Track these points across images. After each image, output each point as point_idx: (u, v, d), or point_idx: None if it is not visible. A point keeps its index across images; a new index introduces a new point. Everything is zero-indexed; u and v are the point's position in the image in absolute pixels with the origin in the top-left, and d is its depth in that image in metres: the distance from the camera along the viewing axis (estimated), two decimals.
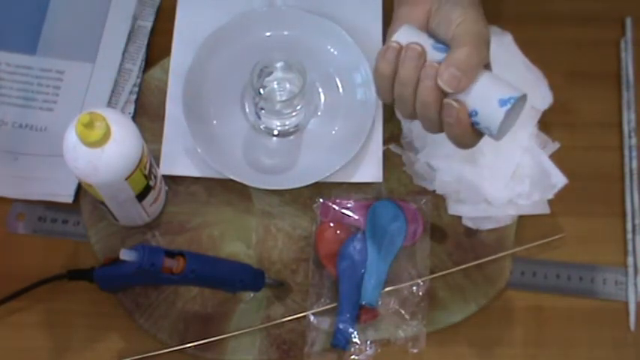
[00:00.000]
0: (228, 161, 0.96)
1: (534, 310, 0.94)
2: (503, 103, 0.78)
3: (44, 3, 1.03)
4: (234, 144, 0.98)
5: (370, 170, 0.97)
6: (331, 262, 0.93)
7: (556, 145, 0.97)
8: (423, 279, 0.93)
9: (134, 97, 1.00)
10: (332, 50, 1.01)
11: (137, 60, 1.01)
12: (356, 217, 0.95)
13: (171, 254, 0.88)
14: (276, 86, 0.96)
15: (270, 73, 0.95)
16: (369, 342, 0.91)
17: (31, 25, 1.02)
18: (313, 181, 0.95)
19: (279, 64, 0.95)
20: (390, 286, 0.93)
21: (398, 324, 0.92)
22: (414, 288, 0.93)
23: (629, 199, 0.98)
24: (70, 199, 0.96)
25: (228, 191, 0.97)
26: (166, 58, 1.01)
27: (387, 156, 0.98)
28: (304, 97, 0.95)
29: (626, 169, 0.99)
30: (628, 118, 1.01)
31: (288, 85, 0.96)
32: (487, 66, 0.82)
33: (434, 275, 0.93)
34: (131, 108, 0.99)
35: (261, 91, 0.94)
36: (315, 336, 0.91)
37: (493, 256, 0.93)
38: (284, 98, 0.96)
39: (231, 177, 0.94)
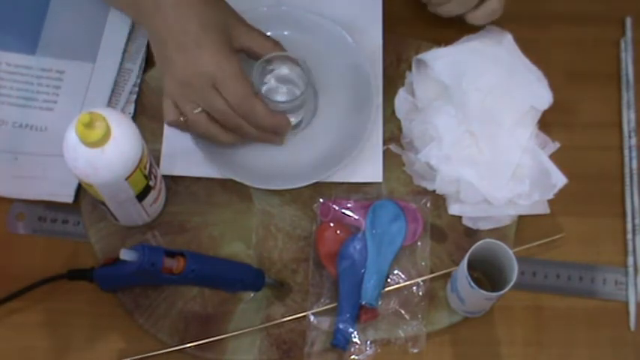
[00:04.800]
0: (228, 161, 0.96)
1: (534, 310, 0.94)
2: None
3: (44, 3, 1.03)
4: (234, 144, 0.98)
5: (370, 170, 0.97)
6: (331, 262, 0.93)
7: (556, 145, 0.97)
8: (423, 279, 0.93)
9: (134, 97, 1.00)
10: (332, 50, 1.01)
11: (137, 60, 1.01)
12: (356, 217, 0.95)
13: (171, 254, 0.89)
14: (274, 84, 0.96)
15: (272, 71, 0.95)
16: (369, 342, 0.91)
17: (31, 25, 1.02)
18: (313, 181, 0.95)
19: (282, 60, 0.95)
20: (390, 286, 0.93)
21: (398, 324, 0.92)
22: (414, 288, 0.93)
23: (629, 199, 0.98)
24: (70, 199, 0.95)
25: (228, 191, 0.97)
26: None
27: (387, 156, 0.98)
28: (306, 98, 0.95)
29: (626, 169, 0.99)
30: (628, 118, 1.01)
31: (286, 88, 0.96)
32: None
33: (434, 275, 0.93)
34: (131, 108, 0.99)
35: (262, 88, 0.94)
36: (315, 336, 0.91)
37: None
38: (284, 99, 0.96)
39: (231, 177, 0.94)
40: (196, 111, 0.89)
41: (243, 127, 0.91)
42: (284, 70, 0.96)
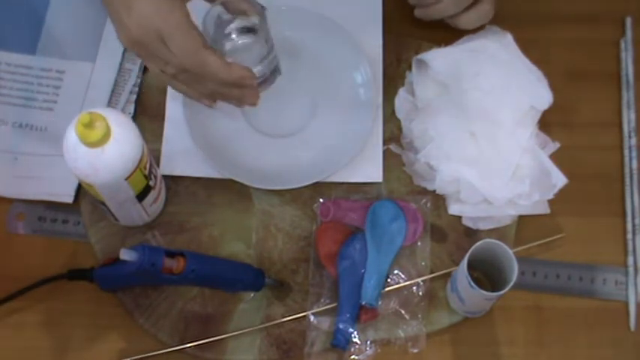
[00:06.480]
0: (228, 161, 0.96)
1: (534, 309, 0.94)
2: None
3: (44, 3, 1.03)
4: (234, 144, 0.98)
5: (370, 170, 0.97)
6: (331, 262, 0.93)
7: (556, 145, 0.97)
8: (423, 279, 0.93)
9: (134, 97, 1.00)
10: (332, 50, 1.01)
11: (137, 60, 1.01)
12: (356, 217, 0.95)
13: (171, 254, 0.89)
14: (236, 37, 0.92)
15: (230, 22, 0.90)
16: (369, 342, 0.91)
17: (31, 25, 1.02)
18: (313, 181, 0.95)
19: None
20: (390, 286, 0.93)
21: (398, 324, 0.92)
22: (414, 288, 0.93)
23: (629, 199, 0.98)
24: (70, 199, 0.96)
25: (228, 191, 0.97)
26: None
27: (387, 156, 0.98)
28: (263, 50, 0.91)
29: (626, 169, 0.99)
30: (628, 118, 1.01)
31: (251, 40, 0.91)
32: None
33: (434, 275, 0.93)
34: (131, 108, 0.99)
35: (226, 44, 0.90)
36: (315, 336, 0.91)
37: None
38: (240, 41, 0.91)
39: (231, 177, 0.94)
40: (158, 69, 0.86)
41: (202, 82, 0.86)
42: (244, 21, 0.91)
